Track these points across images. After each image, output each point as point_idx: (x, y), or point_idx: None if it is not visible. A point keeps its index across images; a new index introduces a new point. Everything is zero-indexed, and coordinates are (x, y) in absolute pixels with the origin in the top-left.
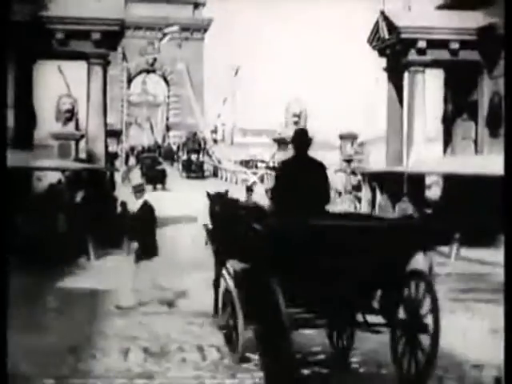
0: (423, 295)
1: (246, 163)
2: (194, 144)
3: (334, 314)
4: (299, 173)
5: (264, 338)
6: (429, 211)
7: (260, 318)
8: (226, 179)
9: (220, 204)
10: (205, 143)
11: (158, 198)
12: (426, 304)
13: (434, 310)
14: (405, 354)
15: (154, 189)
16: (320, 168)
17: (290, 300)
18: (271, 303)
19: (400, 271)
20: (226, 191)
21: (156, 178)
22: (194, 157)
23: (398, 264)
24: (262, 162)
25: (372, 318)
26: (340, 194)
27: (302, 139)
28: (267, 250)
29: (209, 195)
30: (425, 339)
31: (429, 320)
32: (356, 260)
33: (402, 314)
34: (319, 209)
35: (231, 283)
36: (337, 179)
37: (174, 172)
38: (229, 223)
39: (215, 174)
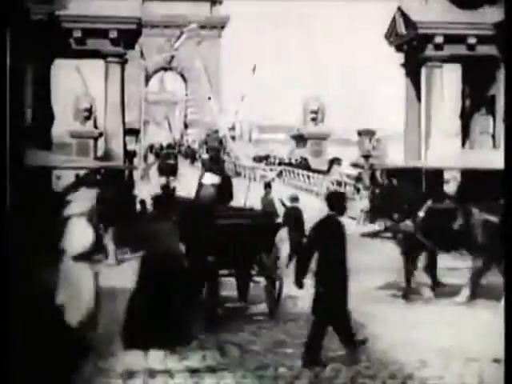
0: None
1: (263, 160)
2: (215, 142)
3: (236, 270)
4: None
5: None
6: None
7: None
8: (245, 176)
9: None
10: (225, 141)
11: None
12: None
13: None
14: (268, 292)
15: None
16: (226, 178)
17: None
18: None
19: (270, 242)
20: (174, 187)
21: (168, 170)
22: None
23: (269, 238)
24: (279, 159)
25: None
26: (359, 190)
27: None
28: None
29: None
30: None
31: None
32: (247, 237)
33: (271, 269)
34: (224, 204)
35: None
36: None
37: (194, 171)
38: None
39: (236, 173)
